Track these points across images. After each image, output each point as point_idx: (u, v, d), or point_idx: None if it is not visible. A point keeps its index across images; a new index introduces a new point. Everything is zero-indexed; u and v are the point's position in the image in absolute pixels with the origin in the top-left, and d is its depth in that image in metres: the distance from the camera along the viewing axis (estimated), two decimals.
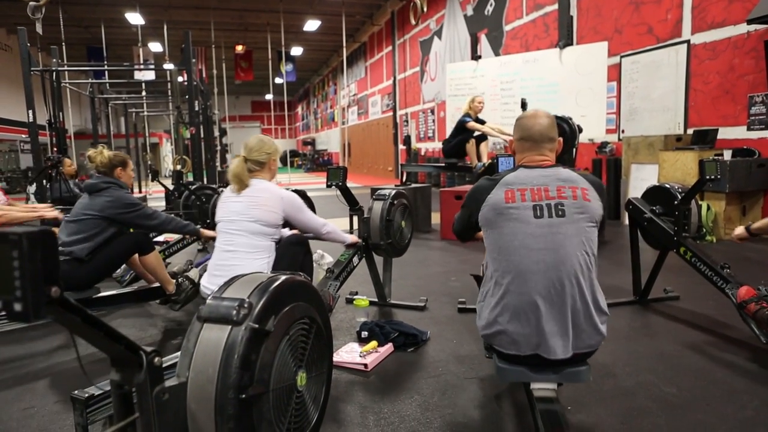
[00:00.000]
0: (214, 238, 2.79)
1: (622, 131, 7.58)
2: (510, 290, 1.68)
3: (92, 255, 2.97)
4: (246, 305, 1.31)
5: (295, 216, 2.59)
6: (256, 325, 1.29)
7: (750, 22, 5.31)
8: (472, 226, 1.94)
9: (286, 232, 2.86)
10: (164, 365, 1.26)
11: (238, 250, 2.43)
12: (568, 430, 1.81)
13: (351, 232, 3.41)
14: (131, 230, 3.22)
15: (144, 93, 14.51)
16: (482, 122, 6.41)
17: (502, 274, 1.71)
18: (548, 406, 1.75)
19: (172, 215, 3.40)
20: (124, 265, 3.48)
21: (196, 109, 7.49)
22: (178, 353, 1.38)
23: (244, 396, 1.24)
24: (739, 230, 2.82)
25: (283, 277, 1.46)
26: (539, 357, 1.68)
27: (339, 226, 3.02)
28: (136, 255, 3.16)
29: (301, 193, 4.30)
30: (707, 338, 2.80)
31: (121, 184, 3.17)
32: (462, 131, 6.39)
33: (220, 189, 4.75)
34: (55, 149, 6.92)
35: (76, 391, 1.69)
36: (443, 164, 7.18)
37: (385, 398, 2.23)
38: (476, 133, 6.35)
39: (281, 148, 2.77)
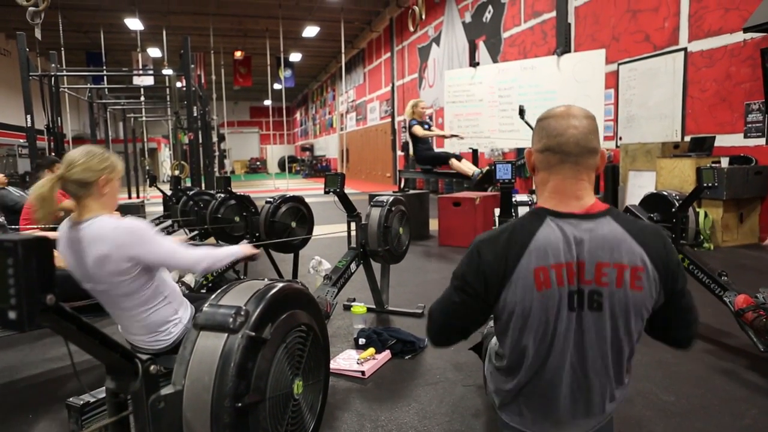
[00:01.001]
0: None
1: (620, 138, 7.60)
2: (525, 389, 1.30)
3: None
4: (243, 313, 1.30)
5: (144, 254, 1.71)
6: (253, 333, 1.29)
7: (746, 30, 5.34)
8: (482, 319, 1.34)
9: (232, 249, 2.06)
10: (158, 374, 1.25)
11: (129, 314, 1.82)
12: None
13: (349, 238, 3.40)
14: None
15: (143, 98, 14.54)
16: (428, 125, 6.64)
17: (514, 365, 1.30)
18: None
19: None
20: None
21: (195, 114, 7.50)
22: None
23: (240, 405, 1.23)
24: None
25: (280, 285, 1.46)
26: None
27: (337, 232, 2.99)
28: None
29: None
30: (705, 346, 2.80)
31: None
32: (414, 137, 6.55)
33: (218, 195, 4.74)
34: (53, 154, 6.91)
35: (71, 399, 1.68)
36: (442, 171, 7.19)
37: (383, 406, 2.22)
38: (449, 150, 6.54)
39: (120, 164, 1.86)
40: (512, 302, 1.20)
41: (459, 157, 6.41)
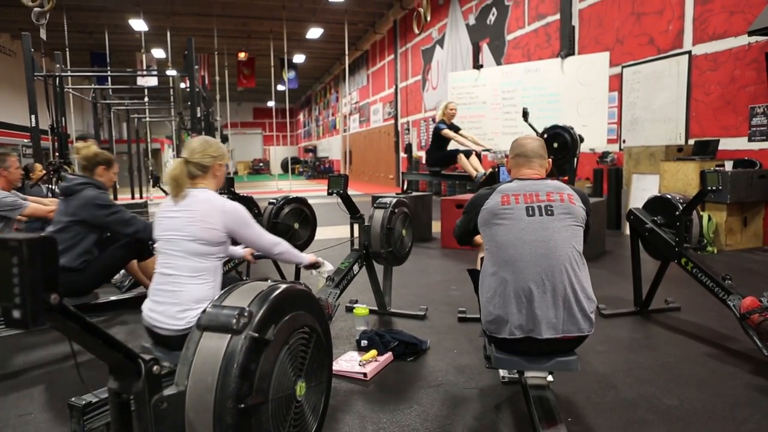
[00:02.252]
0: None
1: (624, 141, 7.59)
2: (506, 279, 1.87)
3: (86, 263, 2.85)
4: (246, 314, 1.30)
5: (241, 232, 2.16)
6: (256, 334, 1.29)
7: (751, 33, 5.33)
8: (472, 231, 2.14)
9: (238, 250, 2.66)
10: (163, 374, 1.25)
11: (178, 274, 2.05)
12: (560, 416, 1.84)
13: (352, 240, 3.40)
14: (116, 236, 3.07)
15: (146, 99, 14.56)
16: (457, 129, 6.43)
17: (498, 265, 1.90)
18: (541, 393, 1.96)
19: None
20: (122, 271, 3.45)
21: (198, 115, 7.51)
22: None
23: (243, 406, 1.23)
24: None
25: (284, 286, 1.46)
26: (532, 341, 1.85)
27: (340, 234, 3.00)
28: (135, 260, 3.13)
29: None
30: (709, 350, 2.79)
31: (98, 184, 2.93)
32: (439, 139, 6.38)
33: (222, 194, 4.74)
34: (57, 154, 6.94)
35: (73, 398, 1.69)
36: (445, 173, 7.18)
37: (385, 408, 2.22)
38: (459, 147, 6.34)
39: (228, 152, 2.36)
40: (488, 211, 1.98)
41: (468, 154, 6.25)
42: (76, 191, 2.84)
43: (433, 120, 8.57)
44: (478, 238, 2.20)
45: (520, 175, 2.10)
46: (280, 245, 2.35)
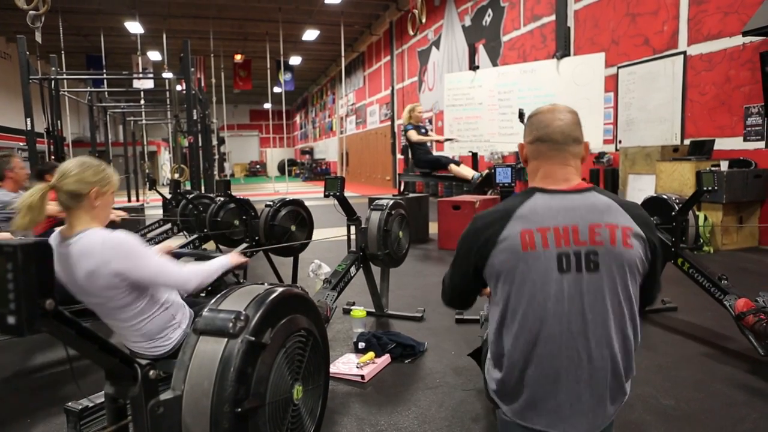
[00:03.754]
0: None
1: (620, 141, 7.61)
2: (523, 363, 1.31)
3: None
4: (242, 317, 1.30)
5: (132, 270, 1.67)
6: (253, 338, 1.28)
7: (745, 33, 5.35)
8: (474, 288, 1.47)
9: (222, 260, 2.06)
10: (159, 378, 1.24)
11: (122, 324, 1.80)
12: None
13: (349, 242, 3.40)
14: None
15: (143, 101, 14.53)
16: (425, 130, 6.64)
17: (513, 342, 1.31)
18: None
19: None
20: None
21: (195, 117, 7.50)
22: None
23: (239, 410, 1.23)
24: None
25: (280, 289, 1.45)
26: None
27: (337, 235, 2.99)
28: None
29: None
30: (706, 350, 2.79)
31: None
32: (411, 142, 6.54)
33: (218, 198, 4.74)
34: (53, 157, 6.91)
35: (69, 403, 1.68)
36: (442, 174, 7.19)
37: (382, 410, 2.21)
38: (444, 153, 6.53)
39: (116, 177, 1.86)
40: (499, 262, 1.30)
41: (458, 163, 6.42)
42: None
43: (430, 121, 8.59)
44: (486, 291, 1.48)
45: (545, 180, 1.36)
46: (193, 278, 1.84)
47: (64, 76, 8.48)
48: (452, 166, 6.32)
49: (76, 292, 1.76)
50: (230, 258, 2.06)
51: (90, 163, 1.77)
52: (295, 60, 20.05)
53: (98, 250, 1.65)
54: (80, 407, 1.67)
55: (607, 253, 1.26)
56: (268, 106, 20.91)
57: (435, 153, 7.03)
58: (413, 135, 6.40)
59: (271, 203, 3.91)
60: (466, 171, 6.28)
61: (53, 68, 8.10)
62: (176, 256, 2.40)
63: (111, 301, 1.72)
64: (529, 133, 1.41)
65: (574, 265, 1.26)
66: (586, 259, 1.26)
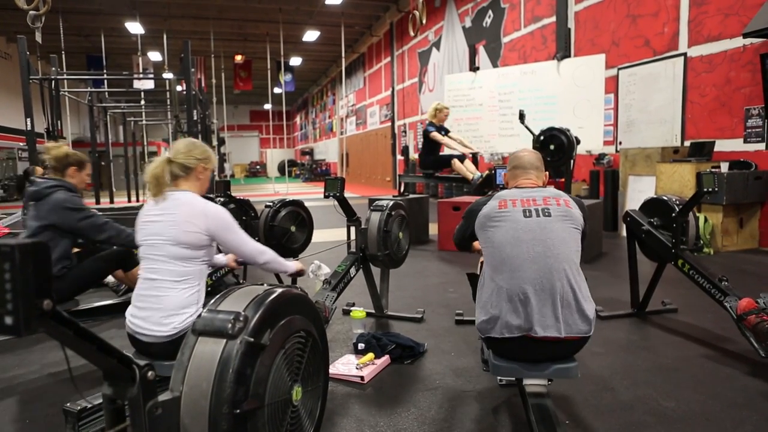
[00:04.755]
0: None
1: (620, 143, 7.60)
2: (503, 280, 1.87)
3: (66, 269, 2.75)
4: (241, 318, 1.29)
5: (224, 237, 2.09)
6: (252, 339, 1.28)
7: (746, 35, 5.35)
8: (470, 237, 2.17)
9: (221, 258, 2.48)
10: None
11: (162, 279, 2.00)
12: (558, 423, 1.82)
13: (348, 243, 3.40)
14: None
15: (143, 102, 14.53)
16: (446, 131, 6.46)
17: (495, 266, 1.91)
18: (539, 400, 1.91)
19: (131, 230, 2.62)
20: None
21: (195, 118, 7.49)
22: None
23: (238, 411, 1.22)
24: None
25: (280, 290, 1.45)
26: (528, 342, 1.83)
27: (336, 236, 2.99)
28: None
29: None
30: (706, 351, 2.79)
31: (70, 186, 2.78)
32: (429, 141, 6.41)
33: (218, 198, 4.73)
34: None
35: (68, 404, 1.67)
36: (442, 175, 7.19)
37: (382, 411, 2.21)
38: (453, 153, 6.39)
39: (215, 157, 2.29)
40: (483, 215, 2.00)
41: (462, 158, 6.32)
42: (46, 195, 2.71)
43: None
44: (476, 245, 2.19)
45: (518, 184, 2.12)
46: (266, 254, 2.26)
47: (65, 77, 8.48)
48: (455, 161, 6.24)
49: (155, 233, 2.02)
50: (294, 264, 2.46)
51: (197, 143, 2.21)
52: (295, 61, 20.07)
53: (201, 206, 2.05)
54: (78, 408, 1.66)
55: (555, 209, 1.94)
56: (268, 106, 20.93)
57: (443, 153, 6.91)
58: (437, 136, 6.27)
59: (271, 204, 3.91)
60: (468, 169, 6.23)
61: (53, 68, 8.10)
62: None
63: (178, 248, 1.99)
64: (509, 165, 2.19)
65: (534, 214, 1.92)
66: (543, 211, 1.93)
